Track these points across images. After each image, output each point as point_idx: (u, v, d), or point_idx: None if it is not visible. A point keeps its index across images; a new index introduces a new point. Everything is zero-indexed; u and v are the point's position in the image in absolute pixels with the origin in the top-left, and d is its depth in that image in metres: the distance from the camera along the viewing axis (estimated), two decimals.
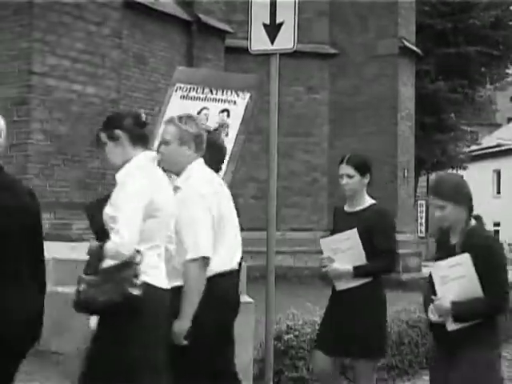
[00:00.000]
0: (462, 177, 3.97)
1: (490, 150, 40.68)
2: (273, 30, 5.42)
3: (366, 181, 4.55)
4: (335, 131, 16.30)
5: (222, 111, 5.45)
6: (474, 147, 27.34)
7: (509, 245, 39.69)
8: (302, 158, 16.13)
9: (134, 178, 3.21)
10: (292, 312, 6.58)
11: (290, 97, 15.52)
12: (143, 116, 3.42)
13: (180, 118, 3.78)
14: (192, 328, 3.51)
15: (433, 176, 18.32)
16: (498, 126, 44.50)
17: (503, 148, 41.18)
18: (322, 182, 16.03)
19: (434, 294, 3.71)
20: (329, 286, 4.71)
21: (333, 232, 4.67)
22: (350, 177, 4.49)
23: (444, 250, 3.81)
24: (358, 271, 4.42)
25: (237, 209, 4.07)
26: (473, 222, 3.76)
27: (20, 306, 3.18)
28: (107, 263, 3.09)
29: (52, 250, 6.00)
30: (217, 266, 3.65)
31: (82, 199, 7.59)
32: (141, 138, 3.39)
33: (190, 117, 3.83)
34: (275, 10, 5.42)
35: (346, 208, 4.64)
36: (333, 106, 16.43)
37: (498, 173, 43.29)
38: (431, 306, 3.72)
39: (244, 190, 14.67)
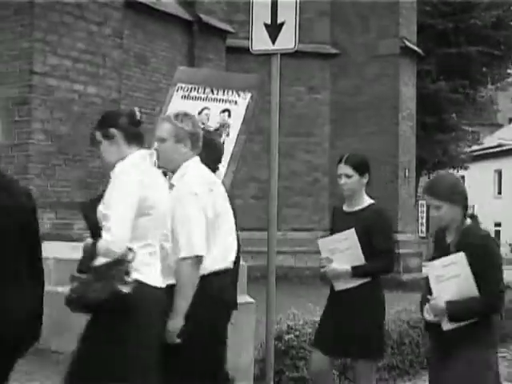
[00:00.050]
0: (457, 177, 3.97)
1: (492, 150, 40.70)
2: (274, 30, 5.43)
3: (365, 181, 4.54)
4: (336, 131, 16.29)
5: (223, 111, 5.45)
6: (475, 147, 27.35)
7: (510, 245, 39.72)
8: (303, 158, 16.13)
9: (126, 175, 3.20)
10: (293, 312, 6.58)
11: (291, 97, 15.52)
12: (138, 114, 3.41)
13: (176, 115, 3.78)
14: (185, 327, 3.51)
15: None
16: (500, 126, 44.51)
17: (504, 148, 41.20)
18: (323, 182, 16.03)
19: (430, 293, 3.72)
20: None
21: (332, 232, 4.67)
22: (348, 176, 4.49)
23: (440, 250, 3.82)
24: (356, 271, 4.42)
25: (234, 208, 4.07)
26: (468, 221, 3.76)
27: (20, 306, 3.18)
28: (99, 261, 3.09)
29: (53, 250, 6.01)
30: (210, 265, 3.64)
31: (83, 199, 7.59)
32: (136, 136, 3.39)
33: (186, 115, 3.83)
34: (276, 10, 5.42)
35: (345, 208, 4.64)
36: (334, 105, 16.42)
37: (500, 173, 43.31)
38: (427, 306, 3.72)
39: (245, 190, 14.68)
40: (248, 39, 5.57)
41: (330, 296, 4.64)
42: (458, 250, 3.64)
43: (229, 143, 5.27)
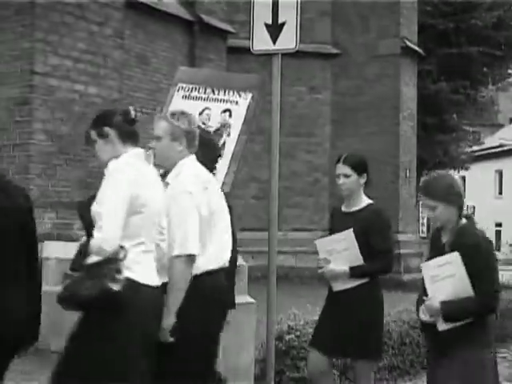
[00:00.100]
0: (453, 176, 3.94)
1: (492, 151, 40.70)
2: (275, 30, 5.42)
3: (363, 181, 4.54)
4: (337, 131, 16.30)
5: (224, 111, 5.45)
6: (475, 148, 27.31)
7: (510, 245, 39.71)
8: (304, 158, 16.13)
9: (118, 173, 3.21)
10: (293, 312, 6.58)
11: (291, 97, 15.52)
12: (133, 113, 3.42)
13: (173, 114, 3.79)
14: (178, 325, 3.50)
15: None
16: (500, 126, 44.50)
17: (505, 148, 41.21)
18: (324, 182, 16.03)
19: (426, 294, 3.71)
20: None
21: (331, 232, 4.67)
22: (346, 176, 4.48)
23: (435, 250, 3.81)
24: (354, 272, 4.41)
25: (231, 206, 4.07)
26: (464, 221, 3.76)
27: (19, 306, 3.18)
28: (91, 259, 3.10)
29: (54, 250, 6.02)
30: (204, 264, 3.64)
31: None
32: (130, 135, 3.40)
33: (182, 113, 3.83)
34: (277, 10, 5.42)
35: (344, 208, 4.63)
36: (335, 106, 16.43)
37: (500, 173, 43.31)
38: (422, 307, 3.72)
39: (246, 190, 14.68)
40: (249, 39, 5.57)
41: (329, 296, 4.63)
42: (452, 250, 3.63)
43: (230, 143, 5.27)
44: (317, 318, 4.88)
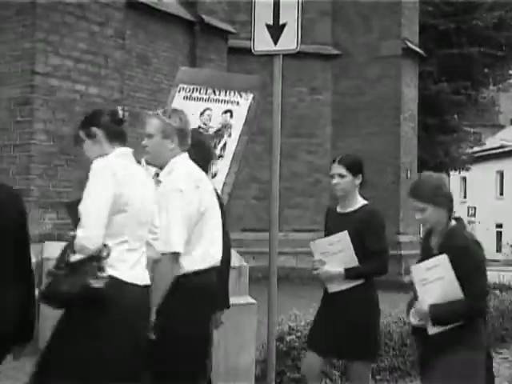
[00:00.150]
0: (442, 178, 3.91)
1: (493, 152, 40.72)
2: (276, 30, 5.42)
3: (358, 181, 4.53)
4: (338, 132, 16.30)
5: (225, 112, 5.45)
6: (476, 148, 27.30)
7: (511, 246, 39.68)
8: (305, 158, 16.13)
9: (101, 172, 3.21)
10: (294, 313, 6.58)
11: (292, 98, 15.53)
12: (120, 113, 3.43)
13: (164, 111, 3.79)
14: (166, 325, 3.48)
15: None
16: (501, 127, 44.50)
17: (506, 149, 41.21)
18: (325, 182, 16.00)
19: (417, 297, 3.69)
20: None
21: (326, 233, 4.67)
22: (341, 176, 4.48)
23: (425, 252, 3.80)
24: (349, 273, 4.41)
25: (222, 203, 4.06)
26: (453, 223, 3.74)
27: (10, 307, 3.18)
28: (74, 257, 3.10)
29: (54, 250, 6.00)
30: (194, 263, 3.64)
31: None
32: (118, 134, 3.41)
33: (174, 110, 3.84)
34: (278, 11, 5.41)
35: (339, 209, 4.63)
36: (336, 106, 16.43)
37: (501, 174, 43.31)
38: (412, 310, 3.70)
39: (247, 191, 14.68)
40: (250, 40, 5.57)
41: (324, 297, 4.62)
42: (441, 252, 3.61)
43: (231, 144, 5.28)
44: None
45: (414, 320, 3.70)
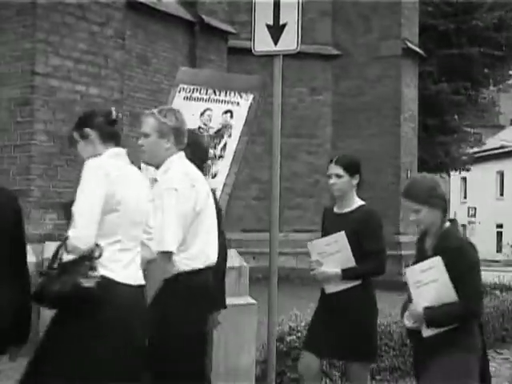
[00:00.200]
0: (436, 179, 3.90)
1: (494, 152, 40.74)
2: (276, 31, 5.42)
3: (355, 182, 4.53)
4: (338, 132, 16.30)
5: (226, 112, 5.45)
6: (477, 149, 27.30)
7: (511, 246, 39.69)
8: (305, 159, 16.13)
9: (93, 172, 3.23)
10: (294, 313, 6.59)
11: (293, 98, 15.53)
12: (114, 114, 3.44)
13: (160, 110, 3.79)
14: (162, 324, 3.48)
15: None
16: (502, 127, 44.53)
17: (506, 150, 41.24)
18: (325, 183, 15.81)
19: (411, 299, 3.68)
20: None
21: (323, 233, 4.67)
22: (338, 177, 4.48)
23: (420, 254, 3.79)
24: (346, 274, 4.41)
25: (217, 202, 4.06)
26: (447, 224, 3.72)
27: (4, 304, 3.18)
28: (66, 257, 3.10)
29: None
30: (188, 263, 3.64)
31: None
32: (112, 135, 3.41)
33: (170, 110, 3.84)
34: (279, 11, 5.42)
35: (336, 209, 4.63)
36: (336, 107, 16.43)
37: (502, 174, 43.33)
38: (406, 313, 3.69)
39: (247, 192, 14.69)
40: (250, 40, 5.57)
41: (321, 298, 4.62)
42: (435, 254, 3.60)
43: (231, 144, 5.28)
44: None
45: (408, 322, 3.69)
